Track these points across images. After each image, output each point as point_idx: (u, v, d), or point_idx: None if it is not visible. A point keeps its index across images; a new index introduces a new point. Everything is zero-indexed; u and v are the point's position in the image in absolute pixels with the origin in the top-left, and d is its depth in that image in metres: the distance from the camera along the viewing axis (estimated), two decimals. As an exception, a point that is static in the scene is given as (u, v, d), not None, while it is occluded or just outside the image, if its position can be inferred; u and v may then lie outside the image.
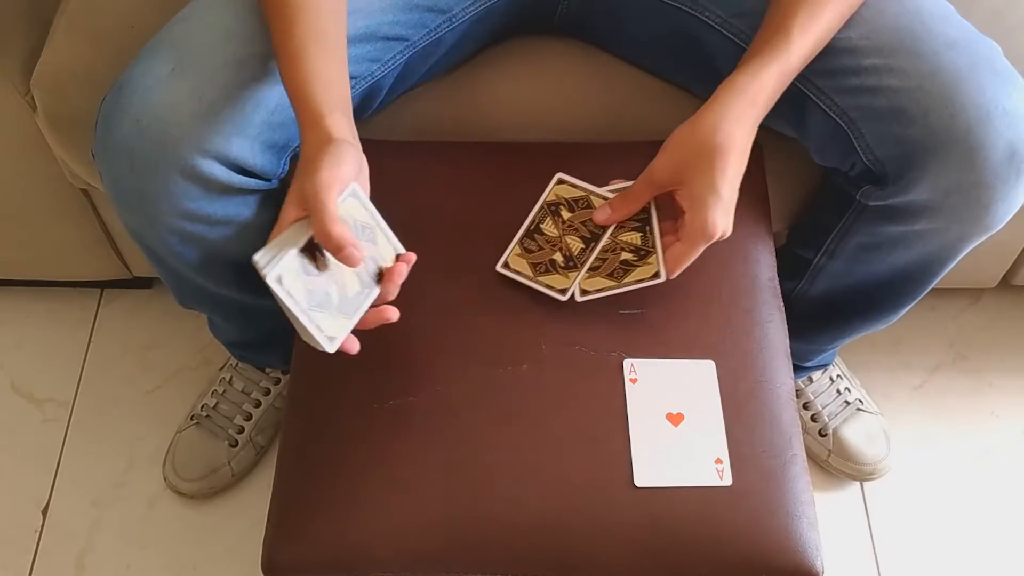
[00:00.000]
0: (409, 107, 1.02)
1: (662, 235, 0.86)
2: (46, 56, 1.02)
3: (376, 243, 0.79)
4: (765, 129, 0.98)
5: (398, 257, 0.81)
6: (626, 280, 0.86)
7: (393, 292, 0.79)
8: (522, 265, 0.89)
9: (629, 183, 0.87)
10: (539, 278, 0.89)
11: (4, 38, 1.06)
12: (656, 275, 0.85)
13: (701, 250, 0.82)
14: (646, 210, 0.87)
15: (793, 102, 0.90)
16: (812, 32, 0.82)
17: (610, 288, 0.87)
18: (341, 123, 0.76)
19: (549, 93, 1.03)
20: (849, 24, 0.86)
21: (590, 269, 0.87)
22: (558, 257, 0.89)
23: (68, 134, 1.04)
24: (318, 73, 0.77)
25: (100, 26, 1.01)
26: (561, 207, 0.91)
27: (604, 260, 0.88)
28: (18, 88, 1.04)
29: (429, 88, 1.02)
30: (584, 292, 0.87)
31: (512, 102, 1.03)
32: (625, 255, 0.87)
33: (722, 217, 0.79)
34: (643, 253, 0.86)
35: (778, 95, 0.83)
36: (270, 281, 0.73)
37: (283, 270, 0.73)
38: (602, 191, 0.90)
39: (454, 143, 1.02)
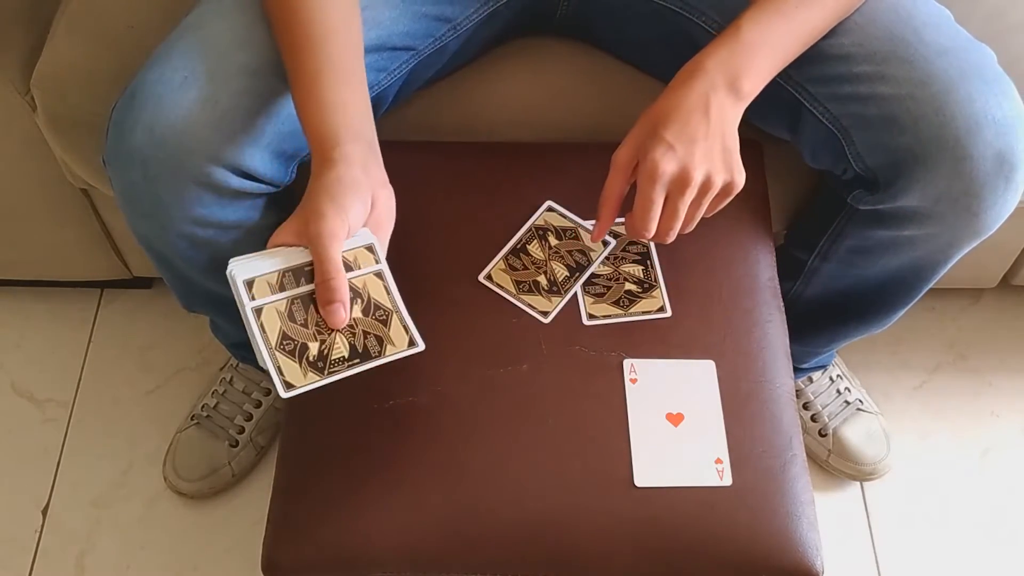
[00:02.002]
0: (409, 107, 1.02)
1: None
2: (46, 56, 1.02)
3: (388, 326, 0.75)
4: (762, 131, 0.99)
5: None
6: (632, 310, 0.89)
7: None
8: (505, 280, 0.91)
9: (619, 219, 0.87)
10: (522, 296, 0.90)
11: (4, 38, 1.06)
12: (662, 309, 0.89)
13: (656, 196, 0.78)
14: (646, 246, 0.92)
15: (787, 107, 0.90)
16: (767, 11, 0.81)
17: (617, 316, 0.89)
18: (354, 154, 0.74)
19: (549, 93, 1.03)
20: (842, 31, 0.86)
21: (595, 295, 0.90)
22: (542, 280, 0.90)
23: (68, 134, 1.04)
24: (331, 102, 0.75)
25: (100, 26, 1.01)
26: (549, 233, 0.93)
27: (608, 288, 0.90)
28: (18, 88, 1.04)
29: (429, 88, 1.02)
30: (591, 316, 0.89)
31: (512, 102, 1.03)
32: (629, 286, 0.90)
33: (662, 156, 0.77)
34: (647, 286, 0.90)
35: (738, 60, 0.81)
36: (234, 272, 0.67)
37: (253, 272, 0.68)
38: (588, 224, 0.93)
39: (454, 143, 1.02)
